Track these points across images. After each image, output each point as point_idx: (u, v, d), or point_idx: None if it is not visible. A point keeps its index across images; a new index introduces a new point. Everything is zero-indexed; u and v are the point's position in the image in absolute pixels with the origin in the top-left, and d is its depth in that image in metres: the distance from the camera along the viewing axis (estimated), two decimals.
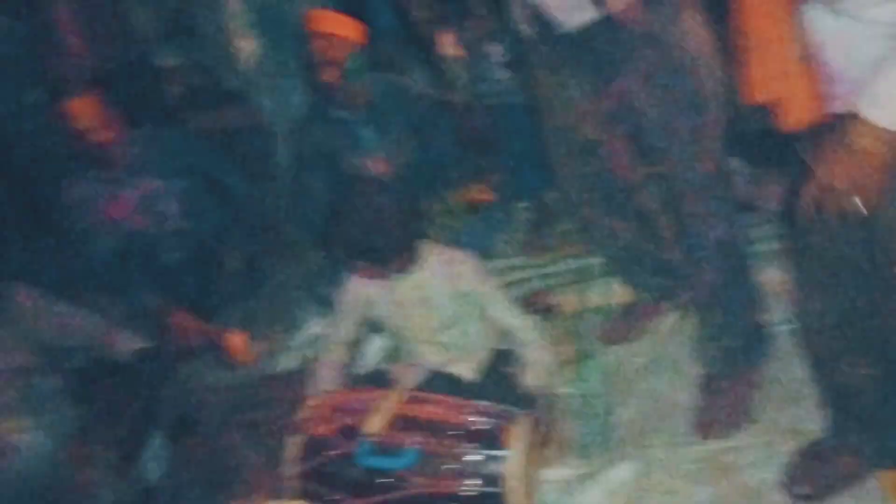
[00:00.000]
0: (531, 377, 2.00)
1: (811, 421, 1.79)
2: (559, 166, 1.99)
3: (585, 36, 1.70)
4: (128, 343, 2.35)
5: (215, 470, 2.24)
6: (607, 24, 1.64)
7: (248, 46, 3.26)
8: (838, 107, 1.23)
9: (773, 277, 2.17)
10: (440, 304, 2.04)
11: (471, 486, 1.69)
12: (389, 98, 2.72)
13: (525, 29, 1.79)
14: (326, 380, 2.08)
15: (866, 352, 1.43)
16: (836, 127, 1.19)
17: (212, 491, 2.18)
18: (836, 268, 1.38)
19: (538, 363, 2.02)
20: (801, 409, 1.84)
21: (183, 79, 3.78)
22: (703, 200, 1.72)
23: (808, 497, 1.63)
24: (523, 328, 2.07)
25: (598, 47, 1.71)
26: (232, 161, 2.74)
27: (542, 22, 1.73)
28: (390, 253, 1.94)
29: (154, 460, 2.25)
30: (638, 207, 2.05)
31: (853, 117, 1.16)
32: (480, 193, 2.58)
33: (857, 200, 1.17)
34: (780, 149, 2.54)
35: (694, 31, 1.65)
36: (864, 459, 1.60)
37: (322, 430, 1.83)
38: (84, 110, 2.50)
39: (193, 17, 3.47)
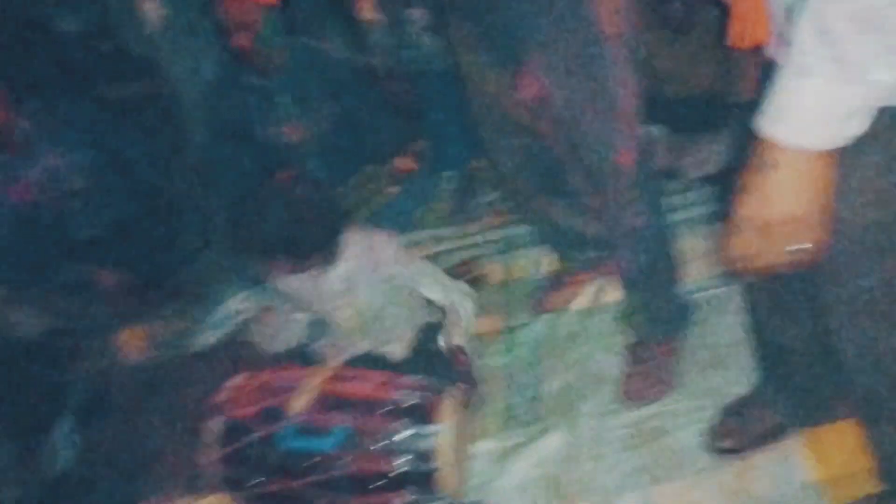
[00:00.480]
0: (458, 336, 1.98)
1: (736, 384, 1.81)
2: (488, 141, 1.95)
3: (491, 10, 1.61)
4: (33, 321, 2.20)
5: (128, 456, 2.13)
6: None
7: (153, 8, 3.07)
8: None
9: (695, 244, 2.20)
10: (365, 294, 1.98)
11: (402, 463, 1.65)
12: (306, 63, 2.62)
13: None
14: (275, 344, 2.01)
15: (797, 311, 1.42)
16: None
17: (125, 479, 2.07)
18: None
19: (468, 327, 2.01)
20: (725, 372, 1.86)
21: (85, 45, 3.56)
22: (622, 191, 1.69)
23: (730, 450, 1.66)
24: (455, 293, 2.03)
25: (505, 25, 1.63)
26: (138, 133, 2.56)
27: None
28: (310, 249, 1.86)
29: (64, 447, 2.12)
30: (568, 184, 2.02)
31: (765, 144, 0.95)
32: (405, 163, 2.51)
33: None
34: (702, 114, 2.60)
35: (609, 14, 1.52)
36: (788, 417, 1.63)
37: (242, 412, 1.74)
38: None
39: None
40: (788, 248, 0.95)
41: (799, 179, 0.92)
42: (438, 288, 2.05)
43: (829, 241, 0.98)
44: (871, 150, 0.96)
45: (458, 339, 1.98)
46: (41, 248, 2.52)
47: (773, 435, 1.65)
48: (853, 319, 1.16)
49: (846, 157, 0.94)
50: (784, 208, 0.93)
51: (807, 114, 0.89)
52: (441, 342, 2.09)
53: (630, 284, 1.85)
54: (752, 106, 0.98)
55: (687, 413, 1.78)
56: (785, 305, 1.43)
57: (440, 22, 2.70)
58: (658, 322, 1.86)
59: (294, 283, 2.00)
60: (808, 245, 0.96)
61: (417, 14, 2.77)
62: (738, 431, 1.66)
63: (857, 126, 0.90)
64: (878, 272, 1.08)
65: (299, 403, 1.71)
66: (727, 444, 1.66)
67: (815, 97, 0.87)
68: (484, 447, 1.88)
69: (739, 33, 1.17)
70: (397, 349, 2.06)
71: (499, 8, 1.59)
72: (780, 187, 0.92)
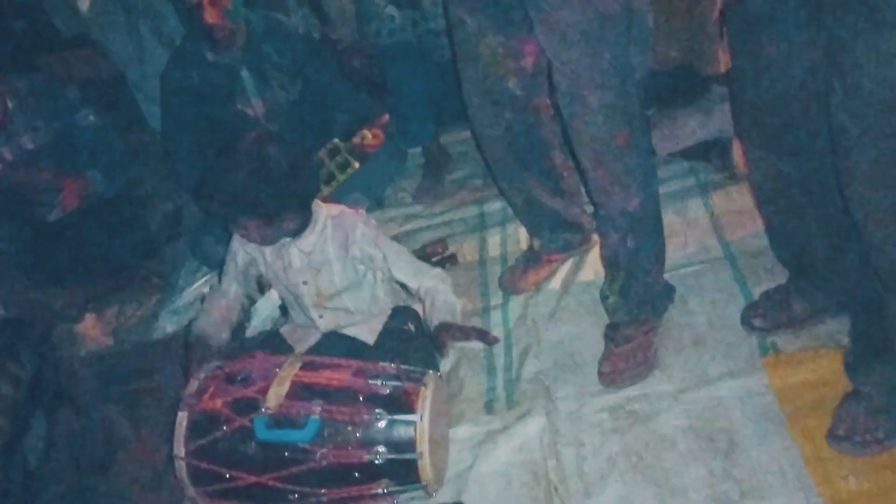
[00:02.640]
0: (441, 316, 1.92)
1: (715, 364, 1.81)
2: (475, 112, 1.89)
3: None
4: None
5: (94, 449, 2.05)
6: None
7: None
8: None
9: (673, 220, 2.18)
10: (332, 270, 1.92)
11: (380, 453, 1.60)
12: (269, 38, 2.54)
13: None
14: (212, 340, 1.93)
15: (815, 213, 1.51)
16: None
17: (89, 472, 2.00)
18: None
19: (448, 305, 1.95)
20: (704, 352, 1.84)
21: (25, 18, 3.41)
22: (613, 173, 1.66)
23: (761, 329, 1.81)
24: (429, 278, 1.98)
25: None
26: (94, 110, 2.46)
27: None
28: (278, 209, 1.78)
29: (35, 442, 2.03)
30: (551, 164, 1.98)
31: None
32: (373, 139, 2.44)
33: None
34: (672, 90, 2.56)
35: None
36: (817, 305, 1.75)
37: (213, 403, 1.67)
38: None
39: None
40: None
41: None
42: (411, 271, 2.00)
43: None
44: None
45: (440, 323, 1.92)
46: (8, 228, 2.47)
47: (802, 320, 1.76)
48: (875, 188, 1.29)
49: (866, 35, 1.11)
50: None
51: None
52: (410, 326, 2.05)
53: (614, 265, 1.82)
54: (722, 80, 1.07)
55: (669, 395, 1.76)
56: (802, 211, 1.51)
57: None
58: (640, 304, 1.83)
59: (258, 251, 1.93)
60: None
61: None
62: (771, 314, 1.79)
63: None
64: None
65: (272, 396, 1.64)
66: (758, 323, 1.81)
67: None
68: (462, 433, 1.84)
69: None
70: (366, 333, 2.00)
71: None
72: None
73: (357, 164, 2.45)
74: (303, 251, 1.90)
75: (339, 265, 1.92)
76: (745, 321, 1.85)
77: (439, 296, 1.96)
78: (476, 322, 2.14)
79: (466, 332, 1.93)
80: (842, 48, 1.24)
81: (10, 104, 2.31)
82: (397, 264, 1.97)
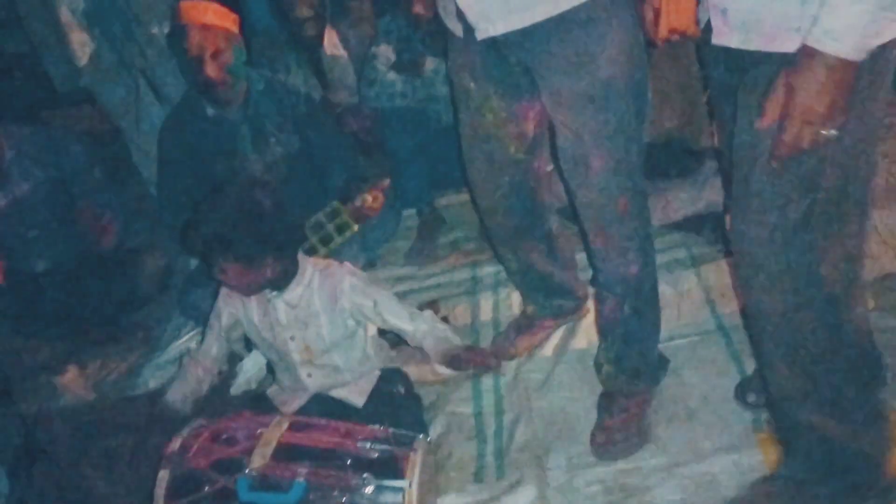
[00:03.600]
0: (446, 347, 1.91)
1: (708, 439, 1.78)
2: (474, 175, 1.90)
3: (506, 45, 1.61)
4: None
5: None
6: (527, 35, 1.55)
7: (82, 40, 2.97)
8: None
9: (666, 291, 2.17)
10: (322, 324, 1.89)
11: None
12: (269, 97, 2.56)
13: (454, 27, 1.68)
14: (188, 396, 1.89)
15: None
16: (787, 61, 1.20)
17: None
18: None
19: (450, 340, 1.93)
20: (697, 426, 1.82)
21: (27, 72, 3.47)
22: (613, 238, 1.67)
23: (754, 405, 1.81)
24: (423, 320, 1.95)
25: (517, 60, 1.63)
26: (92, 163, 2.47)
27: (466, 23, 1.62)
28: (258, 251, 1.75)
29: None
30: (547, 230, 1.99)
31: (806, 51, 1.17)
32: (374, 202, 2.44)
33: (833, 130, 1.19)
34: (666, 162, 2.60)
35: (619, 56, 1.55)
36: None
37: (195, 462, 1.62)
38: None
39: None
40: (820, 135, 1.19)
41: (844, 81, 1.16)
42: (405, 314, 1.95)
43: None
44: None
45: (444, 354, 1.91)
46: None
47: None
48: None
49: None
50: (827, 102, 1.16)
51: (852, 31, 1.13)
52: (400, 388, 2.01)
53: (609, 333, 1.81)
54: (716, 154, 1.14)
55: (662, 469, 1.73)
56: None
57: (406, 60, 2.68)
58: (635, 374, 1.82)
59: (243, 305, 1.91)
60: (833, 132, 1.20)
61: (383, 51, 2.72)
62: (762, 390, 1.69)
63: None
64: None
65: (258, 458, 1.59)
66: (751, 399, 1.81)
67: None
68: (450, 502, 1.79)
69: (663, 24, 1.44)
70: (355, 395, 1.96)
71: (514, 40, 1.57)
72: (830, 87, 1.16)
73: (356, 227, 2.45)
74: (289, 304, 1.87)
75: (327, 318, 1.89)
76: (739, 396, 1.83)
77: (438, 332, 1.94)
78: (466, 387, 2.11)
79: (475, 356, 1.92)
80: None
81: (8, 153, 2.31)
82: (390, 308, 1.93)
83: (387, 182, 2.55)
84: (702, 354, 1.99)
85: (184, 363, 2.02)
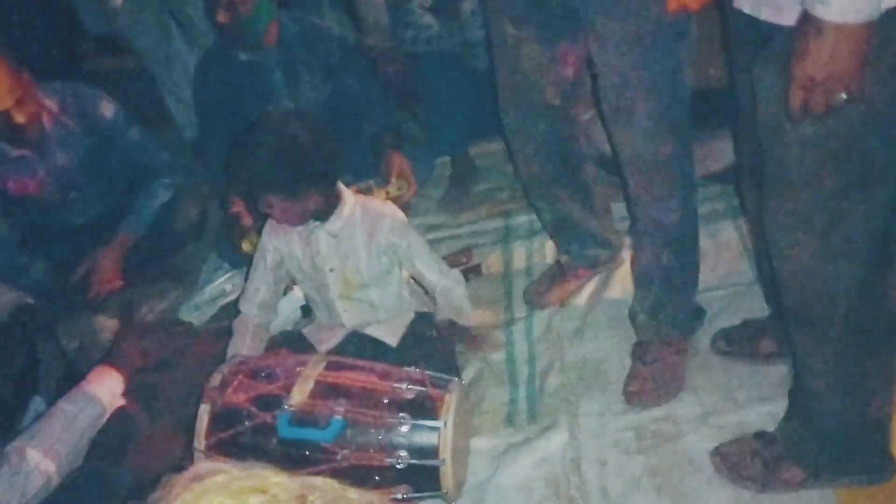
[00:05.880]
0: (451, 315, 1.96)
1: (742, 389, 1.78)
2: (510, 122, 1.88)
3: None
4: (6, 300, 2.09)
5: (107, 437, 2.03)
6: None
7: None
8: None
9: (705, 242, 2.15)
10: (359, 258, 1.90)
11: (402, 458, 1.58)
12: (302, 40, 2.53)
13: None
14: (240, 341, 1.91)
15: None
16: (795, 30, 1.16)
17: (103, 461, 1.98)
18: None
19: (460, 309, 1.97)
20: (732, 376, 1.82)
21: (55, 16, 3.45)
22: (655, 185, 1.65)
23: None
24: (448, 277, 1.97)
25: (559, 2, 1.60)
26: (129, 122, 2.48)
27: None
28: (300, 184, 1.75)
29: None
30: (583, 179, 1.97)
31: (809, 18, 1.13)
32: (408, 189, 2.42)
33: (842, 94, 1.14)
34: (705, 111, 2.55)
35: None
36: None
37: (236, 398, 1.66)
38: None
39: None
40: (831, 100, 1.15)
41: (841, 46, 1.11)
42: (434, 266, 1.96)
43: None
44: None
45: (448, 319, 1.95)
46: (38, 232, 2.50)
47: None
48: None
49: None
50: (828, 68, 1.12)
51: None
52: (433, 332, 2.03)
53: (646, 282, 1.80)
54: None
55: (696, 417, 1.74)
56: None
57: (443, 2, 2.63)
58: (670, 324, 1.81)
59: (285, 239, 1.92)
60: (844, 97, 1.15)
61: None
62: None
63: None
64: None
65: (297, 394, 1.62)
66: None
67: None
68: (482, 444, 1.82)
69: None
70: (389, 335, 1.98)
71: None
72: (825, 52, 1.12)
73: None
74: (330, 233, 1.88)
75: (366, 253, 1.90)
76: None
77: (454, 297, 1.96)
78: (499, 334, 2.12)
79: (470, 339, 2.01)
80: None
81: (47, 124, 2.32)
82: (421, 255, 1.94)
83: (417, 129, 2.52)
84: (739, 306, 1.97)
85: (233, 327, 2.02)
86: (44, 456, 1.52)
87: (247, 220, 2.36)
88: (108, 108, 2.41)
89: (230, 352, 1.91)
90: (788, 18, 1.19)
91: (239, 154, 1.78)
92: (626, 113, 1.59)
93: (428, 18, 2.64)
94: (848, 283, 1.32)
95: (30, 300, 2.25)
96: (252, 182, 1.76)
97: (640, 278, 1.83)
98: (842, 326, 1.36)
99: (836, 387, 1.43)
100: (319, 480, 0.66)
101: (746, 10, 1.29)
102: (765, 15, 1.25)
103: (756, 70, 1.29)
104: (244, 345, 1.91)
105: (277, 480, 0.63)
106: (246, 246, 2.31)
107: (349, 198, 1.89)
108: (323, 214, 1.85)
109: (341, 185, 1.89)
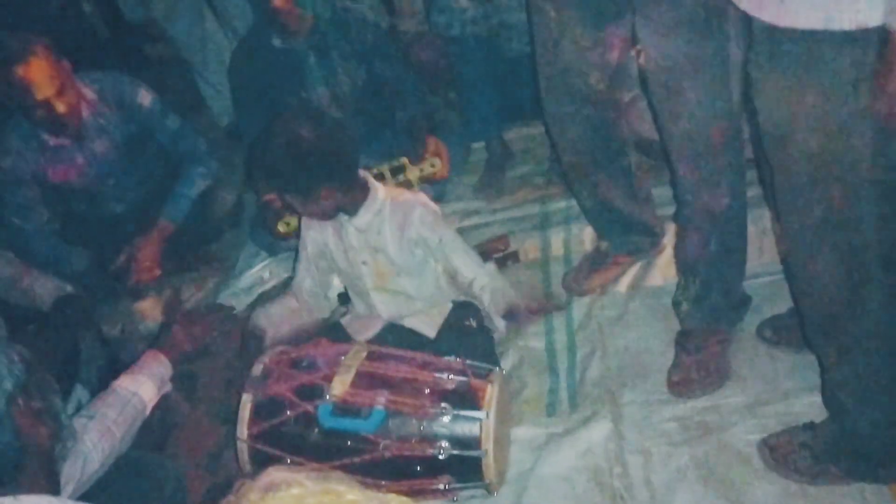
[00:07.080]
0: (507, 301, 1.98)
1: (789, 379, 1.75)
2: (551, 108, 1.85)
3: None
4: (48, 289, 2.12)
5: (148, 425, 2.05)
6: None
7: None
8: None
9: (749, 228, 2.10)
10: (389, 252, 1.89)
11: (444, 448, 1.57)
12: (336, 26, 2.52)
13: None
14: (281, 330, 1.92)
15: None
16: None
17: (144, 449, 2.00)
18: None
19: (511, 296, 1.97)
20: (777, 365, 1.78)
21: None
22: (703, 170, 1.61)
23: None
24: (484, 272, 1.95)
25: None
26: (165, 112, 2.49)
27: None
28: (311, 184, 1.74)
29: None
30: (625, 164, 1.93)
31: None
32: (442, 168, 2.39)
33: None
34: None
35: None
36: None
37: (278, 388, 1.66)
38: (41, 75, 2.15)
39: None
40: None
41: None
42: (469, 260, 1.95)
43: None
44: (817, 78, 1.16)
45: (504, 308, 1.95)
46: (78, 221, 2.52)
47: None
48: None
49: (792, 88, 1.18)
50: None
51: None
52: (472, 322, 2.01)
53: (691, 269, 1.76)
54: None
55: (742, 408, 1.71)
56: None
57: None
58: (715, 313, 1.77)
59: (322, 232, 1.92)
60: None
61: None
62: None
63: None
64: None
65: (339, 384, 1.62)
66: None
67: None
68: (523, 434, 1.80)
69: None
70: (427, 325, 1.97)
71: None
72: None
73: (416, 188, 2.41)
74: (358, 229, 1.87)
75: (395, 247, 1.88)
76: None
77: (498, 286, 1.97)
78: (538, 322, 2.10)
79: (535, 308, 2.06)
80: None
81: (85, 113, 2.33)
82: (455, 249, 1.92)
83: (452, 114, 2.49)
84: (785, 293, 1.92)
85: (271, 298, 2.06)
86: (100, 437, 1.54)
87: (278, 203, 2.36)
88: (146, 97, 2.42)
89: (256, 314, 1.99)
90: (771, 15, 1.15)
91: (252, 156, 1.79)
92: (676, 96, 1.55)
93: (462, 2, 2.60)
94: (871, 295, 1.29)
95: (71, 289, 2.28)
96: (267, 183, 1.78)
97: (686, 266, 1.79)
98: (866, 338, 1.34)
99: (865, 398, 1.41)
100: (395, 498, 0.64)
101: (741, 6, 1.25)
102: (744, 6, 1.22)
103: (754, 75, 1.25)
104: (271, 311, 1.99)
105: (353, 498, 0.61)
106: (282, 227, 2.31)
107: (380, 192, 1.87)
108: (350, 209, 1.83)
109: (371, 179, 1.88)
